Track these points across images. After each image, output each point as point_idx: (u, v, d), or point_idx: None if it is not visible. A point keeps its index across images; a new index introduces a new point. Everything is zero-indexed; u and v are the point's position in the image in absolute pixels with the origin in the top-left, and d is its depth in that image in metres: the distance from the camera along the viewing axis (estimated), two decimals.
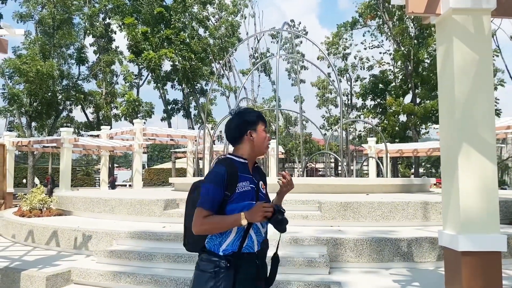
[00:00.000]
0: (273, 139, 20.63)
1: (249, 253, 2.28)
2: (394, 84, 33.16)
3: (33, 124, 28.92)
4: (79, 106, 31.91)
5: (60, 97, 29.54)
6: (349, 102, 37.06)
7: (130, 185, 36.44)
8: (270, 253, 2.43)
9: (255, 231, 2.29)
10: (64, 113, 31.48)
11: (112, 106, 32.67)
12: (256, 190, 2.32)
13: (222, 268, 2.18)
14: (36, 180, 26.44)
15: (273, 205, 2.22)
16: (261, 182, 2.40)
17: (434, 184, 19.94)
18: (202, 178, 2.43)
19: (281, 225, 2.20)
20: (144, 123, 22.75)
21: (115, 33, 33.39)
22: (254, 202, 2.26)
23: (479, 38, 3.28)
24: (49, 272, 5.03)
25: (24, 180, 29.95)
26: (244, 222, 2.15)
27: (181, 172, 33.62)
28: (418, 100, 30.89)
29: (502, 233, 3.21)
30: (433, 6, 3.42)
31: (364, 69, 35.86)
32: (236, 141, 2.36)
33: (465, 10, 3.27)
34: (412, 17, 21.89)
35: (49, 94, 27.76)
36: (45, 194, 9.21)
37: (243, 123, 2.34)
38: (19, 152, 29.40)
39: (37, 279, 4.93)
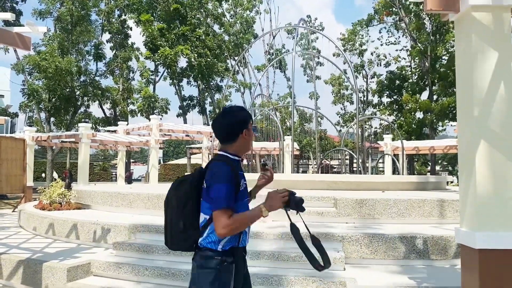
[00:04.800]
0: (288, 135, 20.62)
1: (243, 247, 2.36)
2: (410, 80, 32.79)
3: (52, 119, 29.43)
4: (97, 102, 32.37)
5: (78, 93, 30.00)
6: (365, 98, 36.79)
7: (137, 180, 36.85)
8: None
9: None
10: (82, 109, 31.97)
11: (129, 102, 33.04)
12: (246, 187, 2.39)
13: (226, 263, 2.22)
14: (55, 175, 26.94)
15: (286, 189, 2.25)
16: None
17: (451, 182, 19.73)
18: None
19: (300, 205, 2.22)
20: (161, 119, 22.98)
21: (131, 29, 33.75)
22: (247, 198, 2.36)
23: (499, 35, 3.26)
24: (69, 264, 5.16)
25: (43, 174, 30.54)
26: (266, 213, 2.18)
27: (196, 168, 33.89)
28: (435, 97, 30.50)
29: None
30: (452, 3, 3.41)
31: (380, 65, 35.54)
32: (230, 139, 2.36)
33: (484, 7, 3.26)
34: (429, 13, 21.62)
35: (67, 90, 28.22)
36: (64, 188, 9.41)
37: (239, 122, 2.35)
38: (38, 147, 29.95)
39: (58, 271, 5.06)
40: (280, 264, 4.88)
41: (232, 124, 2.35)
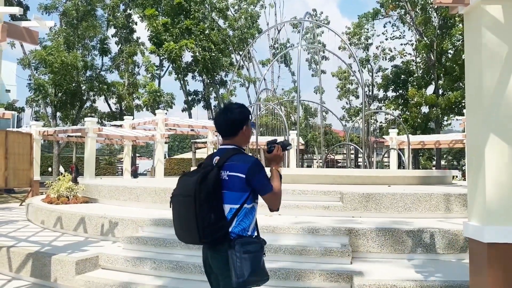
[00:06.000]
0: (293, 130, 20.61)
1: None
2: (416, 75, 32.59)
3: (58, 114, 29.53)
4: (102, 97, 32.44)
5: (84, 87, 30.07)
6: (370, 93, 36.63)
7: (143, 174, 36.96)
8: None
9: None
10: (88, 103, 32.05)
11: (134, 96, 33.08)
12: None
13: (263, 246, 2.48)
14: (61, 169, 27.08)
15: (274, 145, 2.66)
16: None
17: (456, 177, 19.64)
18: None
19: (288, 145, 2.76)
20: (166, 113, 23.00)
21: (136, 24, 33.73)
22: None
23: (509, 27, 3.24)
24: (78, 257, 5.20)
25: (50, 169, 30.72)
26: (281, 170, 2.66)
27: (201, 162, 33.93)
28: (440, 91, 30.32)
29: None
30: None
31: (386, 59, 35.34)
32: (233, 134, 2.60)
33: (495, 0, 3.23)
34: (436, 6, 21.40)
35: (73, 84, 28.28)
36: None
37: (241, 119, 2.60)
38: (45, 141, 30.10)
39: (67, 264, 5.10)
40: (286, 257, 4.90)
41: (234, 121, 2.58)
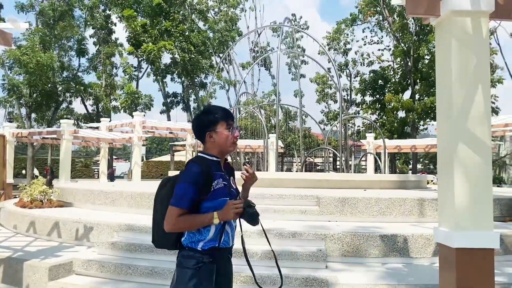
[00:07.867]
0: (272, 133, 20.71)
1: (226, 248, 2.38)
2: (393, 80, 33.16)
3: (33, 115, 28.92)
4: (79, 98, 31.93)
5: (60, 88, 29.55)
6: (349, 97, 37.07)
7: (120, 177, 36.48)
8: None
9: (230, 227, 2.39)
10: (64, 105, 31.52)
11: (112, 98, 32.67)
12: (228, 187, 2.39)
13: (204, 264, 2.26)
14: (36, 171, 26.48)
15: (243, 201, 2.30)
16: (231, 178, 2.50)
17: (431, 181, 20.06)
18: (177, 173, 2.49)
19: (253, 219, 2.30)
20: (144, 115, 22.81)
21: (115, 24, 33.36)
22: (228, 198, 2.32)
23: (477, 40, 3.35)
24: (51, 263, 5.10)
25: (24, 171, 30.02)
26: (217, 221, 2.23)
27: (180, 165, 33.72)
28: (417, 96, 30.92)
29: (496, 231, 3.30)
30: (433, 8, 3.48)
31: (364, 65, 35.82)
32: (201, 139, 2.43)
33: (464, 12, 3.34)
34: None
35: (49, 85, 27.77)
36: (46, 185, 9.27)
37: (201, 125, 2.39)
38: (18, 143, 29.43)
39: (40, 270, 5.00)
40: (262, 262, 4.92)
41: (197, 127, 2.42)
